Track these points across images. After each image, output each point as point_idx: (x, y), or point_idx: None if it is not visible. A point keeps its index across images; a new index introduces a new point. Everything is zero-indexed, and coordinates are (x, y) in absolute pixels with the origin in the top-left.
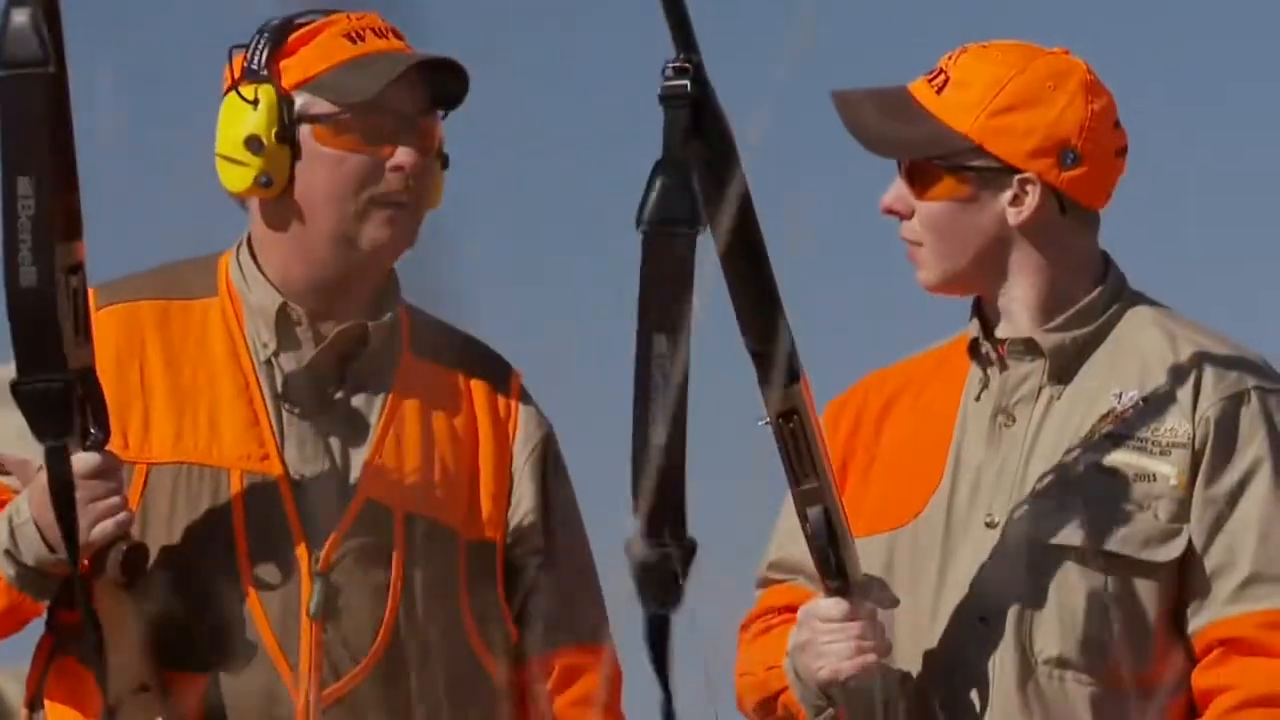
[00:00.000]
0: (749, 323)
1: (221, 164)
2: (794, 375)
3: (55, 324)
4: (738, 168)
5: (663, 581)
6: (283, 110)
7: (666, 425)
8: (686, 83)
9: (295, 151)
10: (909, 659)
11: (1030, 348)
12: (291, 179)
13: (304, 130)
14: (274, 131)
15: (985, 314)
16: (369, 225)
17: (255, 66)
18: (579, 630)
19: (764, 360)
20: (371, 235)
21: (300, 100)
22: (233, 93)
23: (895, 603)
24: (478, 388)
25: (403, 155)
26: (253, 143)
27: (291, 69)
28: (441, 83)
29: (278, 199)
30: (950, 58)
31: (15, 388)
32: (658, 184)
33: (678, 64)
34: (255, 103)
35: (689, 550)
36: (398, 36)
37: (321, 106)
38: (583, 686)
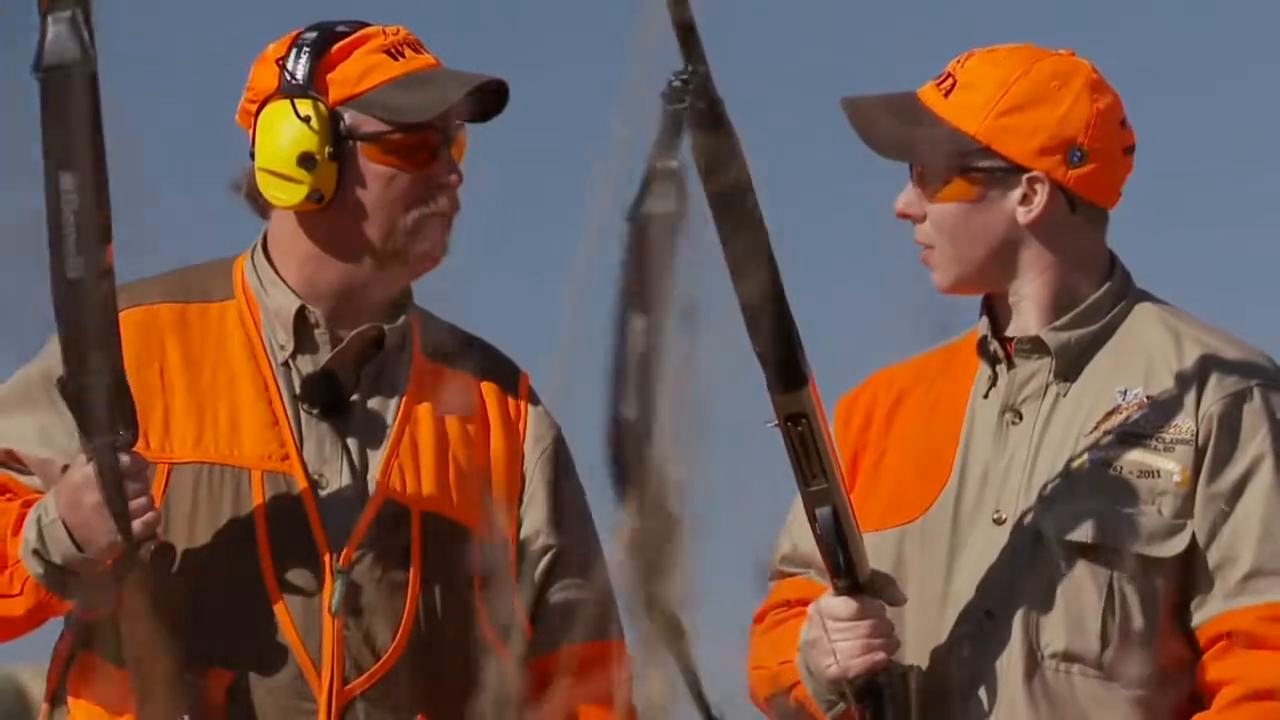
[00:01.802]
0: (756, 326)
1: (266, 178)
2: (802, 378)
3: (105, 315)
4: (745, 173)
5: None
6: (335, 127)
7: None
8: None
9: (342, 167)
10: (917, 653)
11: (1037, 346)
12: (335, 194)
13: (353, 146)
14: (327, 150)
15: (995, 312)
16: (417, 241)
17: (300, 80)
18: (591, 626)
19: (770, 364)
20: (419, 250)
21: (349, 117)
22: (274, 104)
23: (903, 600)
24: (488, 389)
25: (451, 173)
26: (306, 160)
27: (336, 84)
28: (479, 99)
29: (318, 212)
30: (957, 62)
31: (63, 383)
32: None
33: (685, 75)
34: (308, 119)
35: None
36: (426, 50)
37: (373, 125)
38: (595, 682)
